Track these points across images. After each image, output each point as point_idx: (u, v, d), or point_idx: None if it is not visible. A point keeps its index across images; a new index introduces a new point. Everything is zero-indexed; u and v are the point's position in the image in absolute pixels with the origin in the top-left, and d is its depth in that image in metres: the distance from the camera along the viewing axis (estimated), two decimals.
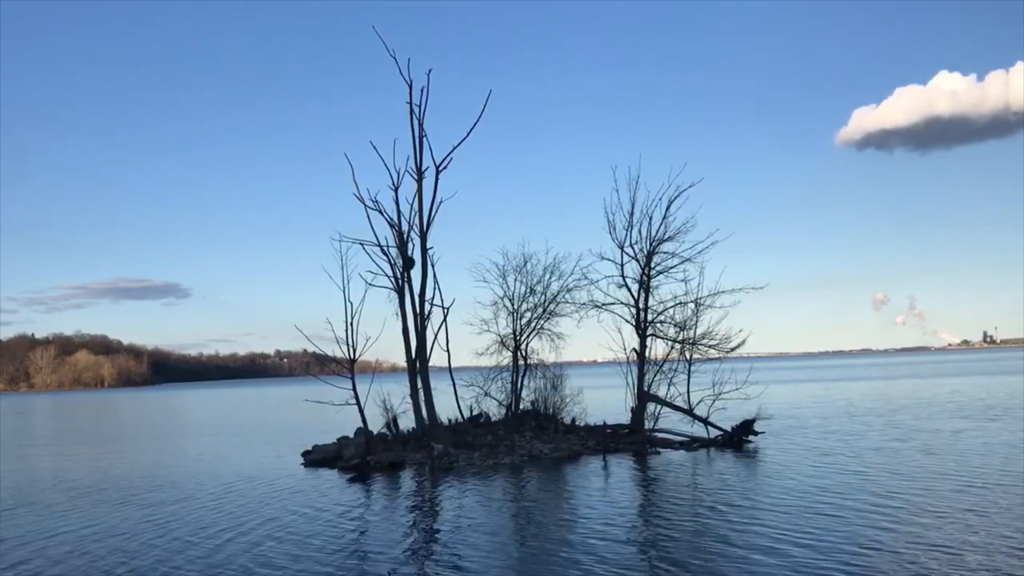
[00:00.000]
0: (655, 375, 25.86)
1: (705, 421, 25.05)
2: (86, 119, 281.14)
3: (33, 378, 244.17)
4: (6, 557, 12.86)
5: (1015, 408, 33.12)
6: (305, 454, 25.21)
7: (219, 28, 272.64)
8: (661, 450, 23.92)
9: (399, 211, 25.90)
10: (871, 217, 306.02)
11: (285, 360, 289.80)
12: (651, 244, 26.10)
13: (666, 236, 25.98)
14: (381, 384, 24.81)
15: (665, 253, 26.12)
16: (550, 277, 27.10)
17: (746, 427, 24.49)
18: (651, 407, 25.77)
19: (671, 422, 25.84)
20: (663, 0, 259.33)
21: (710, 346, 25.67)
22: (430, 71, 25.67)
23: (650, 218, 26.04)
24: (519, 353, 26.78)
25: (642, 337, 26.09)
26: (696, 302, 25.87)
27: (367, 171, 30.87)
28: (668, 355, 26.13)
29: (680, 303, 26.22)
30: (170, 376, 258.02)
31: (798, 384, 66.46)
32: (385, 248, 25.78)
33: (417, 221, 25.74)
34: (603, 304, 26.72)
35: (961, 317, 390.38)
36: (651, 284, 26.26)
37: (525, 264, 27.24)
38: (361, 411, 24.41)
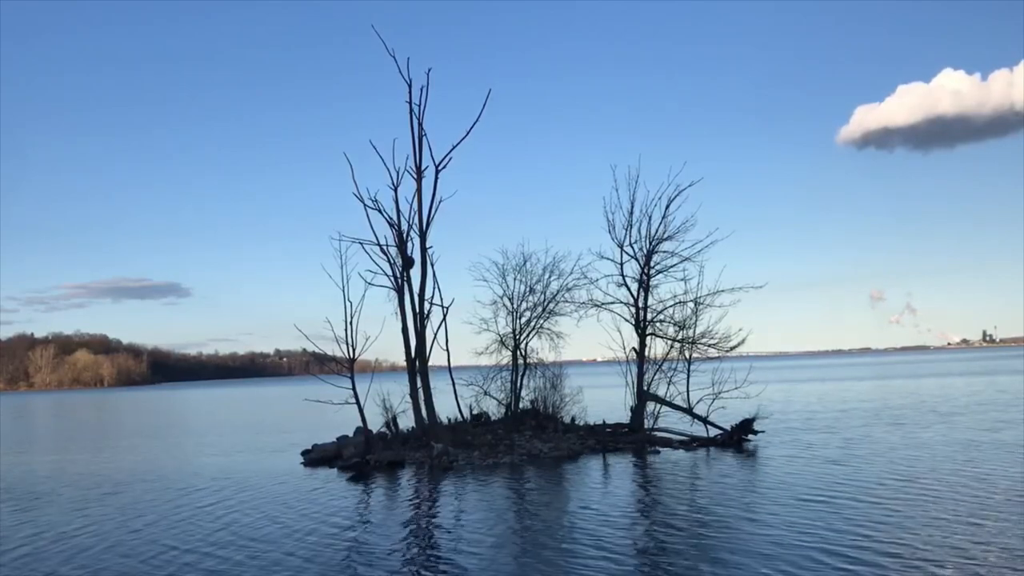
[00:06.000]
0: (655, 374, 25.85)
1: (705, 420, 25.04)
2: (86, 119, 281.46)
3: (32, 377, 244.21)
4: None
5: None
6: (304, 453, 25.21)
7: (219, 28, 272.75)
8: (661, 449, 23.91)
9: (398, 210, 25.93)
10: (872, 216, 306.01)
11: (285, 359, 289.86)
12: (650, 243, 26.11)
13: (665, 235, 26.01)
14: (381, 383, 24.81)
15: (664, 252, 26.16)
16: (549, 276, 27.12)
17: (745, 426, 24.50)
18: (651, 406, 25.76)
19: (671, 421, 25.83)
20: (663, 0, 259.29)
21: (710, 345, 25.68)
22: (429, 70, 25.72)
23: (649, 217, 26.08)
24: (519, 352, 26.77)
25: (641, 336, 26.09)
26: (696, 301, 25.90)
27: (367, 171, 30.89)
28: (668, 354, 26.12)
29: (680, 302, 26.27)
30: (170, 375, 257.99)
31: (797, 384, 66.47)
32: (384, 247, 25.80)
33: (417, 220, 25.76)
34: (602, 303, 26.76)
35: (961, 316, 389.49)
36: (650, 283, 26.26)
37: (525, 263, 27.25)
38: (361, 410, 24.41)
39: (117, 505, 17.55)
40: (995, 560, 10.29)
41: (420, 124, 25.66)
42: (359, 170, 26.46)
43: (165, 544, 13.28)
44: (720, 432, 24.70)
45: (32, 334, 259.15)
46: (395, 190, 25.90)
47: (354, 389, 24.42)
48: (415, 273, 25.71)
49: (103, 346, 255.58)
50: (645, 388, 25.76)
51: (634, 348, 26.14)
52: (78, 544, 13.58)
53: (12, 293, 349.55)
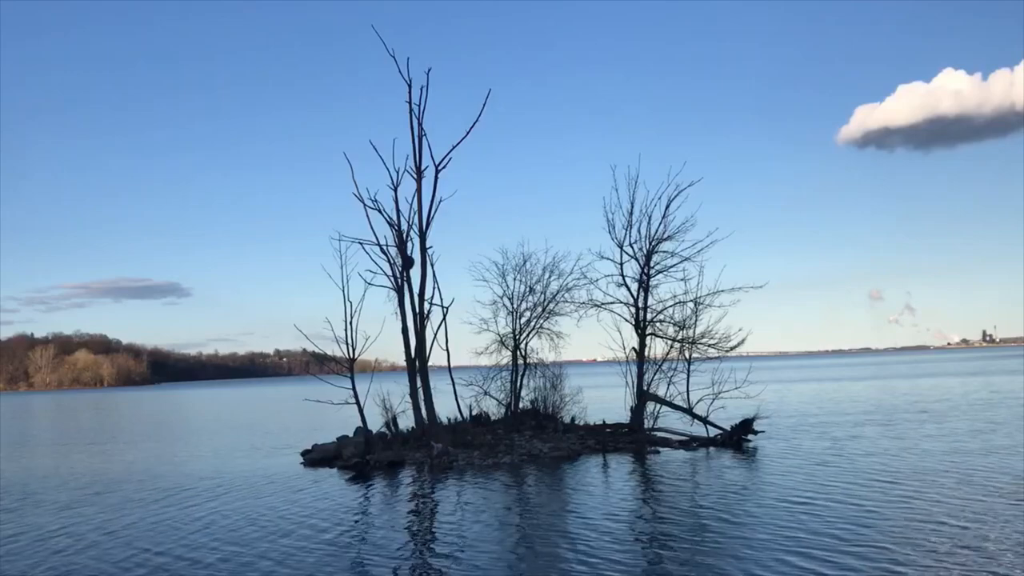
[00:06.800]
0: (654, 374, 25.85)
1: (704, 420, 25.05)
2: (86, 119, 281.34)
3: (32, 377, 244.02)
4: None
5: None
6: (304, 453, 25.22)
7: (219, 28, 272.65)
8: (661, 449, 23.92)
9: (398, 210, 25.93)
10: (872, 216, 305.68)
11: (285, 359, 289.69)
12: (650, 243, 26.12)
13: (665, 235, 26.02)
14: (380, 383, 24.83)
15: (664, 252, 26.16)
16: (549, 276, 27.13)
17: (745, 426, 24.51)
18: (650, 406, 25.77)
19: (671, 421, 25.84)
20: (663, 0, 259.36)
21: (709, 345, 25.68)
22: (429, 70, 25.71)
23: (649, 217, 26.09)
24: (518, 352, 26.78)
25: (641, 336, 26.10)
26: (695, 301, 25.91)
27: (367, 171, 30.94)
28: (667, 354, 26.13)
29: (679, 302, 26.27)
30: (170, 375, 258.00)
31: (797, 384, 66.49)
32: (384, 247, 25.82)
33: (416, 220, 25.76)
34: (602, 303, 26.76)
35: (961, 316, 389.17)
36: (650, 283, 26.27)
37: (524, 263, 27.26)
38: (360, 410, 24.42)
39: (105, 506, 17.51)
40: (974, 559, 10.31)
41: (420, 124, 25.71)
42: (359, 170, 26.55)
43: (160, 542, 13.28)
44: (720, 432, 24.71)
45: (32, 334, 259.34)
46: (395, 190, 25.94)
47: (354, 389, 24.45)
48: (415, 273, 25.74)
49: (103, 346, 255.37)
50: (645, 388, 25.76)
51: (634, 348, 26.16)
52: (55, 544, 13.60)
53: (12, 293, 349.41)
